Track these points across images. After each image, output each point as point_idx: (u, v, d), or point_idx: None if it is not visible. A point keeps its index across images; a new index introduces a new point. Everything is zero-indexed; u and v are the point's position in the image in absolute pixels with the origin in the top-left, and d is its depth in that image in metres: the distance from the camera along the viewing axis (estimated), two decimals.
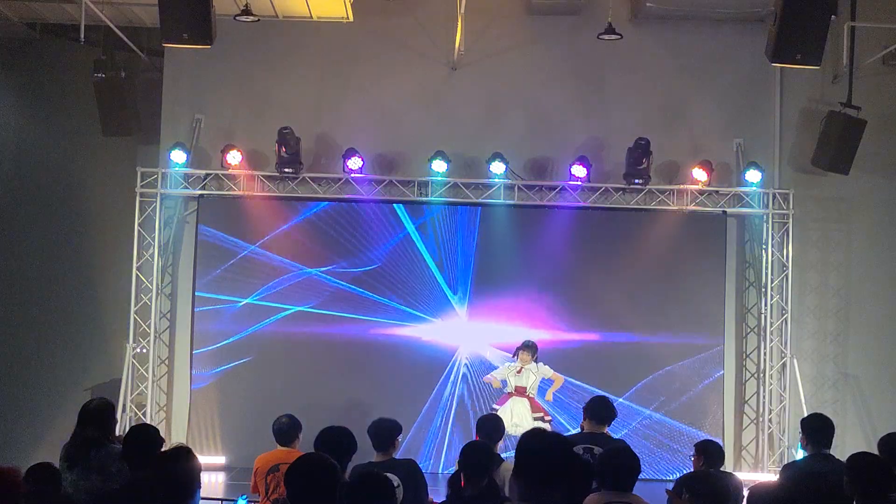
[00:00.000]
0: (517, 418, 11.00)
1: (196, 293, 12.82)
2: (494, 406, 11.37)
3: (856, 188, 12.90)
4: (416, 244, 12.90)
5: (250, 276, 12.81)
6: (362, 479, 4.41)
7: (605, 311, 12.82)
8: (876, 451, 6.57)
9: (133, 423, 12.54)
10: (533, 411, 11.17)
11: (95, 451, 6.05)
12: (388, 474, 5.99)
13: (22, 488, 4.95)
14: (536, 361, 11.51)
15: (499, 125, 12.91)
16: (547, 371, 11.65)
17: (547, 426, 10.95)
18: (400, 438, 6.71)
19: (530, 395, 11.28)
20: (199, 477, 4.79)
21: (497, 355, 12.72)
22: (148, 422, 12.40)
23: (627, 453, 5.55)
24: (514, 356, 11.55)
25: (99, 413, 6.22)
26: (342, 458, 5.77)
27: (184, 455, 4.82)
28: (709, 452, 6.91)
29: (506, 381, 11.51)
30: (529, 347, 11.44)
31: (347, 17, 12.75)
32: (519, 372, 11.33)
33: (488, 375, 11.98)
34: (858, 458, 5.49)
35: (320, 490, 4.24)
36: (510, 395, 11.35)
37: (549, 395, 11.70)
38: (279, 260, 12.86)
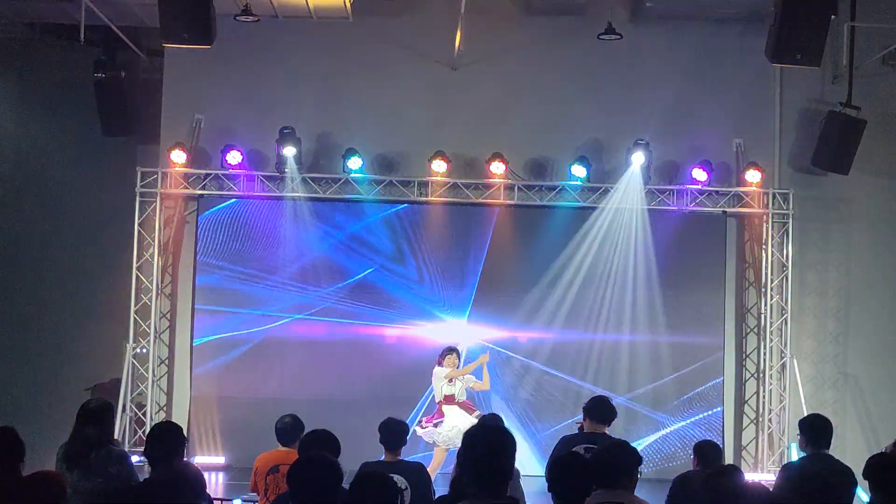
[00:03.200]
0: (460, 429, 10.33)
1: (196, 293, 12.84)
2: (424, 425, 10.84)
3: (856, 188, 12.89)
4: (417, 244, 12.91)
5: (250, 275, 12.82)
6: (366, 479, 4.42)
7: (604, 311, 12.82)
8: (877, 451, 6.59)
9: (133, 423, 12.56)
10: (469, 413, 10.72)
11: (96, 452, 6.04)
12: (396, 476, 6.02)
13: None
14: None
15: (499, 125, 12.90)
16: (470, 379, 11.18)
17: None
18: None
19: (459, 401, 10.85)
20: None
21: (498, 354, 12.74)
22: (147, 422, 12.42)
23: (621, 451, 5.52)
24: (440, 363, 10.99)
25: (98, 413, 6.21)
26: None
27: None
28: (704, 453, 6.89)
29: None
30: (454, 352, 11.01)
31: (347, 17, 12.76)
32: (451, 381, 10.86)
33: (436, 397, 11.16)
34: (877, 461, 5.45)
35: (323, 488, 4.25)
36: (440, 404, 10.89)
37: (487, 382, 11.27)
38: (279, 259, 12.88)
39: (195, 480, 4.69)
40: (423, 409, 12.49)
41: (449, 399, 10.85)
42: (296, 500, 4.33)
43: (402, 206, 12.90)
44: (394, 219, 12.92)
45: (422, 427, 10.92)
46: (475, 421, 10.54)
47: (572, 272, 12.82)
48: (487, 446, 4.04)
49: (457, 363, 11.01)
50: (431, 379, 11.09)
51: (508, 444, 4.06)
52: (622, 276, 12.75)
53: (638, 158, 12.39)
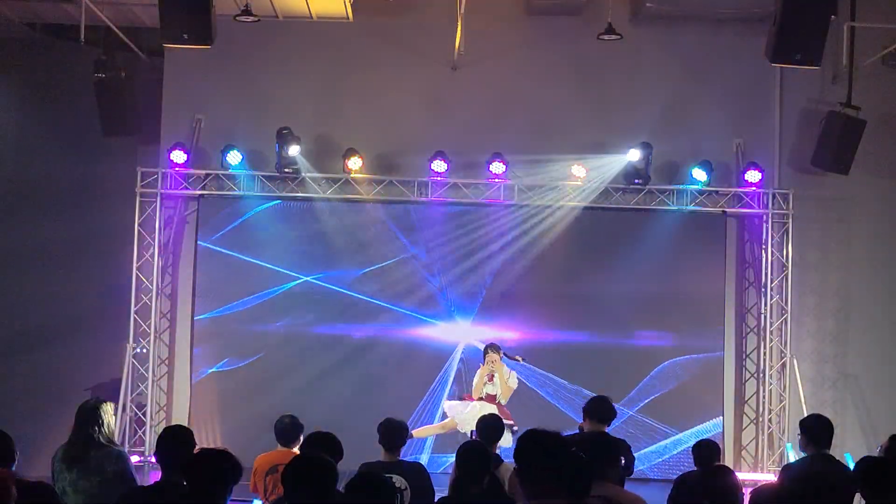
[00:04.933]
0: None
1: (196, 293, 12.84)
2: (465, 397, 10.93)
3: (856, 188, 12.89)
4: (416, 245, 12.91)
5: (251, 275, 12.82)
6: (361, 479, 4.41)
7: (604, 312, 12.82)
8: (876, 453, 6.58)
9: (133, 423, 12.57)
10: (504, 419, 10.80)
11: (94, 452, 6.05)
12: (395, 476, 6.01)
13: (11, 494, 4.93)
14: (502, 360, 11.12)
15: (499, 125, 12.89)
16: (514, 381, 11.19)
17: (511, 435, 10.72)
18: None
19: (499, 404, 10.84)
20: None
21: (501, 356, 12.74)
22: (147, 422, 12.43)
23: (603, 442, 5.48)
24: (484, 359, 11.10)
25: (94, 412, 6.22)
26: None
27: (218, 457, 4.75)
28: (703, 453, 6.89)
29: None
30: (493, 347, 11.09)
31: (347, 17, 12.76)
32: (491, 379, 10.90)
33: (467, 397, 11.32)
34: (869, 464, 5.46)
35: (317, 490, 4.24)
36: (479, 399, 10.94)
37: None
38: (279, 259, 12.87)
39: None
40: (425, 410, 12.52)
41: (490, 398, 10.84)
42: (290, 500, 4.32)
43: (406, 205, 12.89)
44: (397, 218, 12.91)
45: (455, 399, 10.93)
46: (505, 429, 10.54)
47: (572, 272, 12.83)
48: (542, 451, 4.12)
49: (496, 358, 11.05)
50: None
51: (562, 448, 4.15)
52: (622, 276, 12.72)
53: (633, 156, 12.39)
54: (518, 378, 11.49)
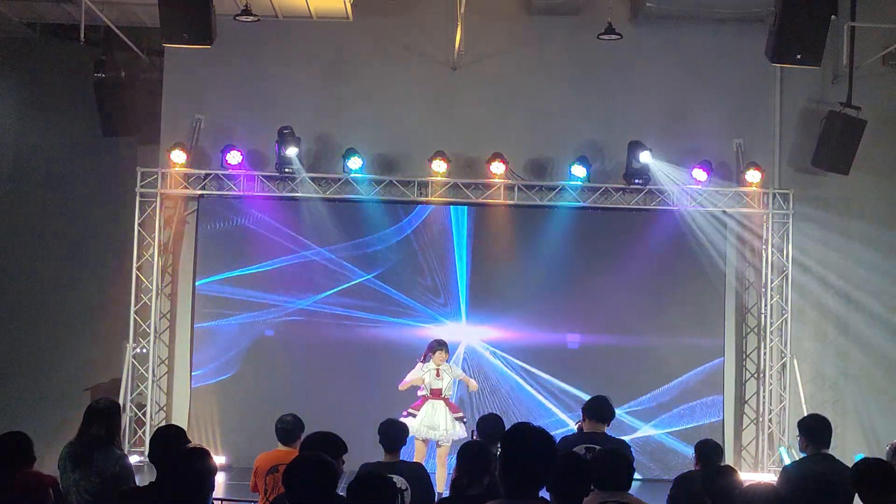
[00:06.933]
0: (435, 421, 10.50)
1: (196, 293, 12.84)
2: (410, 410, 10.69)
3: (856, 188, 12.90)
4: (416, 245, 12.90)
5: (251, 275, 12.83)
6: (365, 479, 4.41)
7: (604, 312, 12.82)
8: (877, 453, 6.59)
9: (133, 423, 12.57)
10: (452, 412, 10.66)
11: (98, 453, 6.06)
12: (396, 477, 6.01)
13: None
14: (448, 361, 10.97)
15: (499, 125, 12.90)
16: (458, 372, 11.10)
17: (463, 426, 10.62)
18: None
19: (446, 397, 10.72)
20: (213, 478, 4.71)
21: (496, 356, 12.75)
22: (147, 422, 12.44)
23: (622, 453, 5.55)
24: (425, 357, 10.81)
25: (106, 413, 6.23)
26: None
27: (200, 456, 4.75)
28: (705, 453, 6.89)
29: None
30: (444, 346, 10.85)
31: (348, 17, 12.76)
32: (437, 375, 10.70)
33: (402, 384, 10.95)
34: (865, 466, 5.47)
35: (318, 490, 4.24)
36: (425, 398, 10.72)
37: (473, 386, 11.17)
38: (280, 260, 12.88)
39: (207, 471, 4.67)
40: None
41: (436, 393, 10.69)
42: (291, 500, 4.32)
43: (409, 209, 12.88)
44: (394, 219, 12.92)
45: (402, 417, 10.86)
46: (454, 423, 10.57)
47: (573, 273, 12.82)
48: (528, 447, 3.94)
49: (445, 359, 10.84)
50: (410, 372, 10.90)
51: (549, 447, 3.97)
52: (622, 276, 12.72)
53: (646, 158, 12.37)
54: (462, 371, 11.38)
